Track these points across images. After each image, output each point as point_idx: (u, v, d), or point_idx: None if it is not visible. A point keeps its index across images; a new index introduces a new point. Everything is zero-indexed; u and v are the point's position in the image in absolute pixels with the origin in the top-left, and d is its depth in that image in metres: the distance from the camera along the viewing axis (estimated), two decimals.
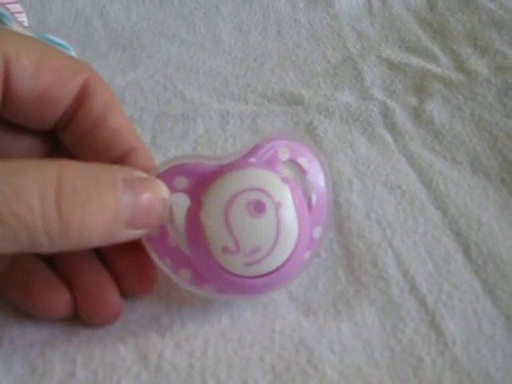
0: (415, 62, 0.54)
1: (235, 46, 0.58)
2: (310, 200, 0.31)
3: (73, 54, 0.46)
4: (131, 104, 0.49)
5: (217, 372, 0.29)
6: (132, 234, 0.27)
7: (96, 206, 0.25)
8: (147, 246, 0.30)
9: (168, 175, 0.29)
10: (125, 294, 0.31)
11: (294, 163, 0.31)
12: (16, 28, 0.47)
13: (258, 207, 0.28)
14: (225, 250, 0.28)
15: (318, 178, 0.32)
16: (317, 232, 0.32)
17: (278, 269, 0.30)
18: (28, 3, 0.60)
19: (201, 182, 0.29)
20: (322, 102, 0.49)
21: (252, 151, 0.30)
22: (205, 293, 0.31)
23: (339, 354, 0.30)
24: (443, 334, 0.30)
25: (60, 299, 0.30)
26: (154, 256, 0.30)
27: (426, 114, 0.47)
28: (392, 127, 0.46)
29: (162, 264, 0.30)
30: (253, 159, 0.30)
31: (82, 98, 0.29)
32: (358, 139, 0.45)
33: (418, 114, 0.47)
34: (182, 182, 0.29)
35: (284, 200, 0.29)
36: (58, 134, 0.31)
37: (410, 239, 0.36)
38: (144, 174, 0.28)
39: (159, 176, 0.29)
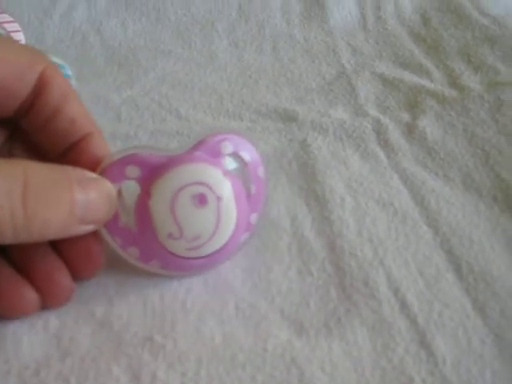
0: (409, 77, 0.55)
1: (230, 62, 0.58)
2: (249, 190, 0.35)
3: (69, 73, 0.47)
4: (127, 121, 0.49)
5: None
6: (83, 228, 0.30)
7: (55, 203, 0.27)
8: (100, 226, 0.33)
9: (121, 163, 0.32)
10: (74, 277, 0.33)
11: (236, 156, 0.34)
12: None
13: (201, 200, 0.32)
14: (169, 235, 0.32)
15: (257, 170, 0.36)
16: (253, 218, 0.36)
17: (217, 251, 0.34)
18: (26, 21, 0.61)
19: (151, 172, 0.32)
20: (315, 118, 0.49)
21: (198, 145, 0.33)
22: (150, 268, 0.34)
23: (330, 373, 0.30)
24: (433, 353, 0.31)
25: (26, 297, 0.32)
26: (106, 235, 0.33)
27: (418, 131, 0.47)
28: (385, 144, 0.46)
29: (112, 242, 0.33)
30: (199, 152, 0.33)
31: (40, 88, 0.31)
32: (352, 156, 0.45)
33: (410, 131, 0.48)
34: (134, 170, 0.32)
35: (225, 193, 0.33)
36: (18, 121, 0.32)
37: (402, 257, 0.36)
38: (93, 175, 0.31)
39: (113, 164, 0.32)
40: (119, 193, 0.32)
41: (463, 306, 0.33)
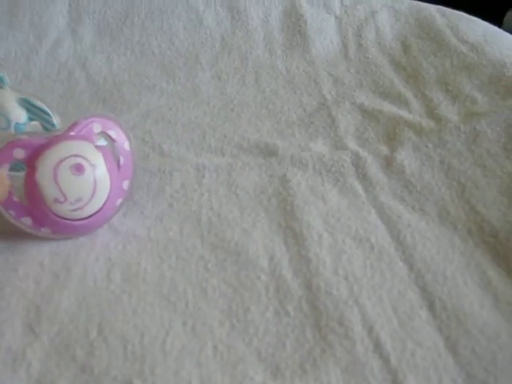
0: (388, 108, 0.56)
1: (213, 96, 0.59)
2: (118, 161, 0.43)
3: (54, 121, 0.48)
4: None
5: None
6: None
7: None
8: None
9: (8, 148, 0.39)
10: None
11: (105, 135, 0.42)
12: (7, 91, 0.48)
13: (79, 168, 0.39)
14: (55, 200, 0.39)
15: (124, 144, 0.43)
16: (125, 184, 0.43)
17: (96, 212, 0.41)
18: (12, 57, 0.62)
19: (34, 151, 0.39)
20: (295, 152, 0.50)
21: (72, 127, 0.41)
22: (42, 234, 0.41)
23: None
24: None
25: None
26: (1, 209, 0.40)
27: (396, 163, 0.48)
28: (363, 177, 0.47)
29: (7, 214, 0.40)
30: (72, 133, 0.40)
31: None
32: (330, 191, 0.46)
33: (389, 164, 0.49)
34: (20, 152, 0.39)
35: (98, 162, 0.40)
36: None
37: (377, 295, 0.37)
38: None
39: (2, 149, 0.39)
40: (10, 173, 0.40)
41: (435, 344, 0.34)
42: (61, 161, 0.39)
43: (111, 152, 0.42)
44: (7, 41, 0.64)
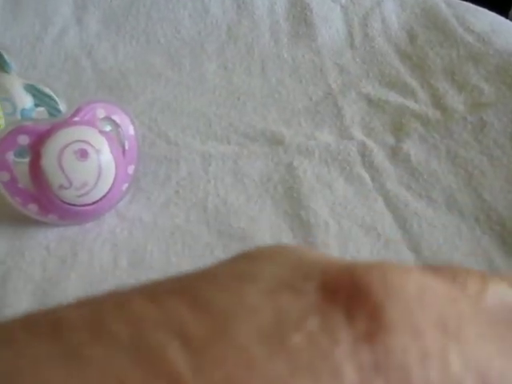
0: (394, 98, 0.56)
1: (219, 85, 0.59)
2: (123, 146, 0.42)
3: (60, 107, 0.47)
4: None
5: None
6: None
7: None
8: (1, 188, 0.40)
9: (13, 135, 0.39)
10: None
11: (109, 120, 0.42)
12: (14, 76, 0.48)
13: (83, 154, 0.39)
14: (61, 186, 0.39)
15: (128, 129, 0.43)
16: (130, 169, 0.43)
17: (102, 198, 0.40)
18: (18, 45, 0.62)
19: (39, 138, 0.39)
20: (302, 141, 0.50)
21: (75, 112, 0.40)
22: (49, 221, 0.41)
23: None
24: None
25: None
26: (7, 195, 0.40)
27: (402, 153, 0.48)
28: (370, 166, 0.47)
29: (13, 201, 0.40)
30: (76, 118, 0.40)
31: None
32: (336, 179, 0.46)
33: (395, 153, 0.48)
34: (25, 139, 0.39)
35: (102, 148, 0.40)
36: None
37: None
38: None
39: (6, 136, 0.39)
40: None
41: None
42: (65, 146, 0.39)
43: (116, 137, 0.42)
44: (12, 29, 0.64)
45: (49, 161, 0.39)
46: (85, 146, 0.39)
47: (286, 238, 0.40)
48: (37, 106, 0.48)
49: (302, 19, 0.68)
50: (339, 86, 0.58)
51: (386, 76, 0.60)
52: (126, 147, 0.43)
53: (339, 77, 0.60)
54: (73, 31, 0.65)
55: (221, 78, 0.60)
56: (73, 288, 0.37)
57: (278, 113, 0.55)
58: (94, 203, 0.41)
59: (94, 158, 0.39)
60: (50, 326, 0.11)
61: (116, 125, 0.42)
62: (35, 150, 0.39)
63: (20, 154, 0.42)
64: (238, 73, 0.61)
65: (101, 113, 0.41)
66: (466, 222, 0.42)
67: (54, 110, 0.48)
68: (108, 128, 0.42)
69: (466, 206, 0.43)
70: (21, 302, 0.36)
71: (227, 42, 0.65)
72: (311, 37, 0.66)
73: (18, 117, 0.47)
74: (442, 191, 0.45)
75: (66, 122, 0.40)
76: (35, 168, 0.39)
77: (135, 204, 0.44)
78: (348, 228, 0.41)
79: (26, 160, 0.41)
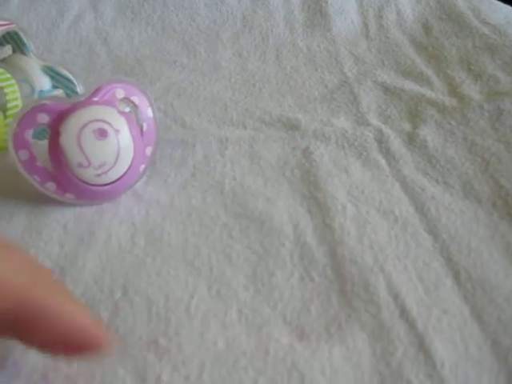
0: (410, 86, 0.56)
1: (234, 72, 0.59)
2: (141, 127, 0.42)
3: (78, 89, 0.48)
4: None
5: None
6: None
7: None
8: (19, 167, 0.40)
9: (32, 113, 0.39)
10: None
11: (128, 100, 0.42)
12: (33, 58, 0.48)
13: (102, 133, 0.39)
14: (79, 165, 0.39)
15: (147, 110, 0.43)
16: (148, 150, 0.43)
17: (120, 178, 0.41)
18: (34, 30, 0.62)
19: (58, 116, 0.39)
20: (318, 127, 0.50)
21: (95, 92, 0.40)
22: (66, 200, 0.42)
23: (330, 377, 0.31)
24: (432, 356, 0.31)
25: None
26: (25, 174, 0.40)
27: (419, 139, 0.48)
28: (386, 152, 0.47)
29: (31, 179, 0.41)
30: (96, 98, 0.40)
31: None
32: (353, 164, 0.46)
33: (411, 139, 0.48)
34: (44, 117, 0.39)
35: (121, 127, 0.40)
36: None
37: (402, 264, 0.37)
38: None
39: (26, 114, 0.39)
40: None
41: (461, 312, 0.34)
42: (84, 125, 0.39)
43: (134, 118, 0.42)
44: (29, 14, 0.64)
45: (68, 139, 0.39)
46: (104, 126, 0.39)
47: (304, 220, 0.40)
48: (55, 87, 0.48)
49: (317, 10, 0.68)
50: (355, 75, 0.58)
51: (401, 65, 0.60)
52: (144, 128, 0.43)
53: (354, 66, 0.60)
54: (88, 18, 0.65)
55: (236, 64, 0.60)
56: (91, 265, 0.37)
57: (294, 99, 0.55)
58: (111, 183, 0.41)
59: (113, 137, 0.39)
60: None
61: (135, 106, 0.42)
62: (54, 129, 0.39)
63: (38, 135, 0.42)
64: (253, 60, 0.61)
65: (120, 93, 0.41)
66: (483, 207, 0.42)
67: (71, 92, 0.48)
68: (127, 109, 0.42)
69: (483, 192, 0.43)
70: None
71: (242, 31, 0.65)
72: (326, 27, 0.66)
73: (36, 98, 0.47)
74: (458, 177, 0.44)
75: (86, 102, 0.40)
76: (54, 146, 0.39)
77: (152, 186, 0.44)
78: (365, 211, 0.41)
79: (45, 142, 0.41)
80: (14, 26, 0.48)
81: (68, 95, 0.48)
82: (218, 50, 0.63)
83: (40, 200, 0.42)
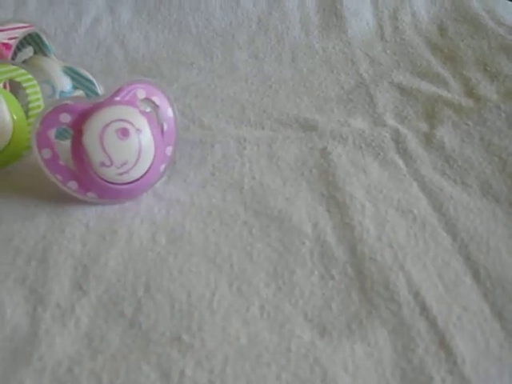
0: (426, 87, 0.56)
1: (251, 74, 0.60)
2: (162, 127, 0.43)
3: (98, 90, 0.48)
4: None
5: None
6: None
7: None
8: (42, 165, 0.41)
9: (55, 113, 0.40)
10: None
11: (149, 101, 0.42)
12: (54, 59, 0.49)
13: (124, 133, 0.40)
14: (102, 164, 0.40)
15: (167, 111, 0.43)
16: (168, 150, 0.44)
17: (141, 177, 0.41)
18: (52, 34, 0.63)
19: (80, 116, 0.40)
20: (335, 127, 0.50)
21: (117, 92, 0.41)
22: (88, 199, 0.42)
23: (352, 373, 0.31)
24: (453, 353, 0.32)
25: None
26: (48, 173, 0.41)
27: (436, 140, 0.48)
28: (404, 152, 0.47)
29: (53, 178, 0.41)
30: (117, 98, 0.41)
31: None
32: (371, 164, 0.46)
33: (428, 140, 0.49)
34: (66, 117, 0.40)
35: (143, 127, 0.40)
36: None
37: (421, 262, 0.37)
38: None
39: (48, 114, 0.40)
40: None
41: (481, 309, 0.34)
42: (107, 125, 0.39)
43: (155, 118, 0.43)
44: (47, 17, 0.65)
45: (91, 138, 0.39)
46: (126, 125, 0.40)
47: (323, 219, 0.41)
48: (75, 88, 0.49)
49: (332, 12, 0.68)
50: (371, 76, 0.59)
51: (417, 67, 0.60)
52: (165, 128, 0.43)
53: (370, 67, 0.60)
54: (106, 21, 0.66)
55: (252, 66, 0.61)
56: (113, 263, 0.38)
57: (311, 100, 0.55)
58: (132, 182, 0.41)
59: (134, 137, 0.40)
60: None
61: (155, 106, 0.43)
62: (77, 128, 0.40)
63: (59, 136, 0.43)
64: (269, 62, 0.62)
65: (141, 93, 0.42)
66: (502, 206, 0.42)
67: (92, 93, 0.49)
68: (148, 109, 0.43)
69: (500, 192, 0.43)
70: (62, 276, 0.37)
71: (258, 33, 0.66)
72: (341, 29, 0.66)
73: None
74: (476, 177, 0.45)
75: (108, 101, 0.41)
76: (77, 145, 0.40)
77: (172, 185, 0.44)
78: (384, 210, 0.41)
79: (66, 142, 0.41)
80: (34, 28, 0.49)
81: (88, 96, 0.49)
82: (234, 53, 0.63)
83: (62, 200, 0.42)
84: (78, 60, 0.61)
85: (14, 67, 0.45)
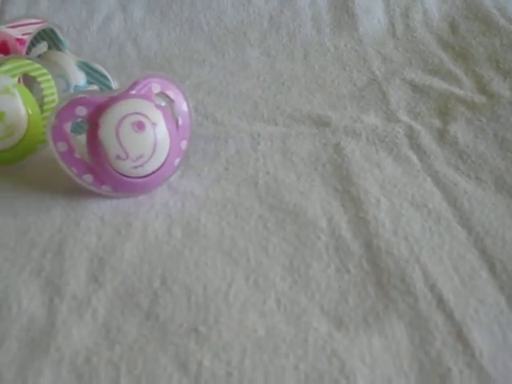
0: (438, 84, 0.56)
1: (263, 71, 0.60)
2: (177, 121, 0.43)
3: (112, 85, 0.49)
4: None
5: (254, 380, 0.30)
6: None
7: None
8: (58, 158, 0.41)
9: (71, 106, 0.40)
10: None
11: (164, 95, 0.43)
12: (67, 53, 0.49)
13: (140, 126, 0.40)
14: (117, 157, 0.40)
15: (182, 105, 0.43)
16: (183, 144, 0.44)
17: (156, 170, 0.41)
18: (65, 31, 0.63)
19: (96, 109, 0.40)
20: (348, 123, 0.51)
21: (132, 86, 0.41)
22: (102, 192, 0.42)
23: (370, 365, 0.31)
24: (470, 345, 0.32)
25: None
26: (63, 166, 0.41)
27: (450, 136, 0.48)
28: (417, 148, 0.47)
29: (69, 171, 0.41)
30: (133, 92, 0.41)
31: None
32: (385, 159, 0.46)
33: (442, 136, 0.49)
34: (82, 110, 0.40)
35: (158, 121, 0.40)
36: None
37: (437, 255, 0.37)
38: None
39: (64, 107, 0.40)
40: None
41: (498, 302, 0.34)
42: (123, 118, 0.40)
43: (170, 112, 0.43)
44: (59, 15, 0.65)
45: (107, 131, 0.40)
46: (142, 119, 0.40)
47: (338, 214, 0.41)
48: (89, 83, 0.49)
49: (343, 10, 0.68)
50: (383, 73, 0.59)
51: (429, 64, 0.60)
52: (180, 123, 0.43)
53: (382, 65, 0.60)
54: (118, 19, 0.66)
55: (264, 64, 0.61)
56: (129, 255, 0.38)
57: (323, 97, 0.55)
58: (147, 176, 0.42)
59: (150, 130, 0.40)
60: None
61: (170, 100, 0.43)
62: (93, 121, 0.40)
63: (74, 130, 0.43)
64: (281, 59, 0.62)
65: (156, 88, 0.42)
66: None
67: (106, 88, 0.49)
68: (163, 103, 0.43)
69: None
70: (78, 268, 0.37)
71: (269, 31, 0.66)
72: (353, 26, 0.66)
73: None
74: (490, 173, 0.45)
75: (124, 95, 0.41)
76: (93, 138, 0.40)
77: (186, 179, 0.45)
78: (399, 204, 0.41)
79: (81, 136, 0.42)
80: (48, 23, 0.49)
81: (102, 91, 0.49)
82: (246, 50, 0.63)
83: (77, 193, 0.43)
84: (90, 57, 0.61)
85: (28, 62, 0.45)
